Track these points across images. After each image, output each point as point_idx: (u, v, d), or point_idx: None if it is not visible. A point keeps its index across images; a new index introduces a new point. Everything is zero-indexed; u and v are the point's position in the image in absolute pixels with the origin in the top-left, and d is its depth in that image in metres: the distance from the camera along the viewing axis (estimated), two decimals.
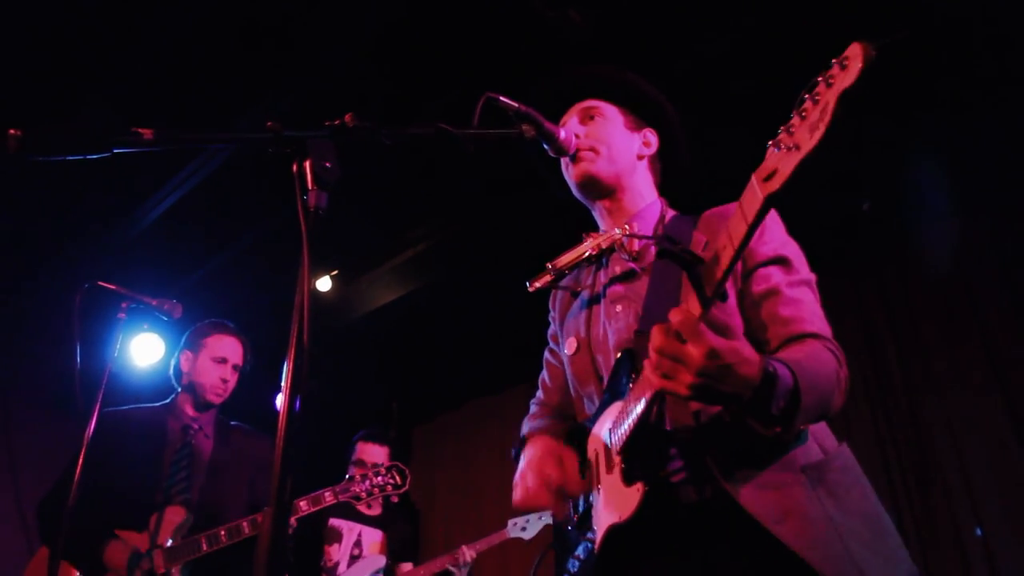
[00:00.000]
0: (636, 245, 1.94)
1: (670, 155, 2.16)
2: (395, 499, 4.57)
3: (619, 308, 1.90)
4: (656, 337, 1.39)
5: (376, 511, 4.85)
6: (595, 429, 1.85)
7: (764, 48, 4.05)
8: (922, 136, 4.59)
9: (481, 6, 3.87)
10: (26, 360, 6.16)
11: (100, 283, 3.24)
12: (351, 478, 3.60)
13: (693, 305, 1.38)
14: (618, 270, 1.97)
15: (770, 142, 1.22)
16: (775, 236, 1.82)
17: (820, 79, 1.14)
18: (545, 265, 1.97)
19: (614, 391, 1.79)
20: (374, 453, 4.83)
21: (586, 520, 1.82)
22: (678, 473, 1.65)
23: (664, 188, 2.15)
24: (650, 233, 1.96)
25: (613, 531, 1.67)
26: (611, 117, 2.07)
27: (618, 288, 1.94)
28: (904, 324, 5.20)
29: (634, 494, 1.61)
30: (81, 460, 2.82)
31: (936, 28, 3.94)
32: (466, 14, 3.93)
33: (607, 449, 1.76)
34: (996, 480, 4.55)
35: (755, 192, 1.24)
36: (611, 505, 1.70)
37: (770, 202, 1.22)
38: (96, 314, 3.55)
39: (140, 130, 1.27)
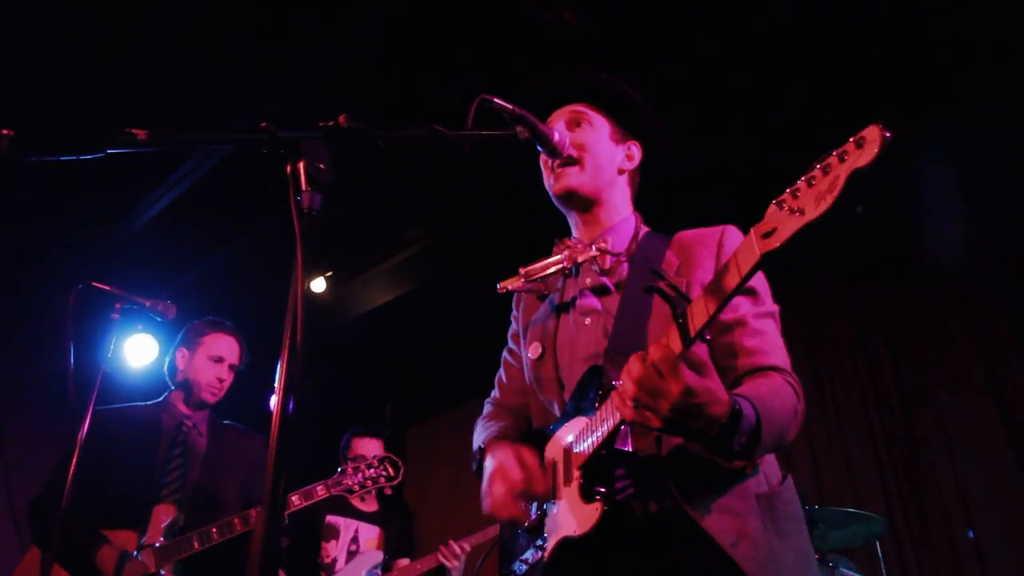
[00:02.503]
0: (608, 262, 1.96)
1: (650, 170, 2.14)
2: (388, 491, 4.57)
3: (588, 321, 1.91)
4: (635, 368, 1.42)
5: (372, 507, 4.86)
6: (556, 437, 1.85)
7: (759, 51, 4.06)
8: (919, 139, 4.60)
9: (476, 8, 3.87)
10: (20, 360, 6.14)
11: (94, 284, 3.21)
12: (343, 471, 3.59)
13: (674, 341, 1.43)
14: (588, 282, 1.98)
15: (774, 201, 1.26)
16: None
17: (834, 153, 1.18)
18: (518, 270, 1.99)
19: (578, 405, 1.81)
20: (369, 447, 4.85)
21: (539, 527, 1.83)
22: (637, 495, 1.68)
23: (639, 202, 2.14)
24: (623, 248, 1.98)
25: (566, 542, 1.70)
26: (598, 126, 2.05)
27: (589, 301, 1.95)
28: (899, 328, 5.21)
29: (593, 512, 1.64)
30: (75, 461, 2.81)
31: (930, 32, 3.96)
32: (461, 16, 3.93)
33: (567, 461, 1.78)
34: (988, 483, 4.56)
35: (753, 248, 1.29)
36: (567, 517, 1.72)
37: (765, 259, 1.28)
38: (90, 315, 3.53)
39: (134, 131, 1.26)
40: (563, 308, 2.00)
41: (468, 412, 7.52)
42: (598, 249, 1.93)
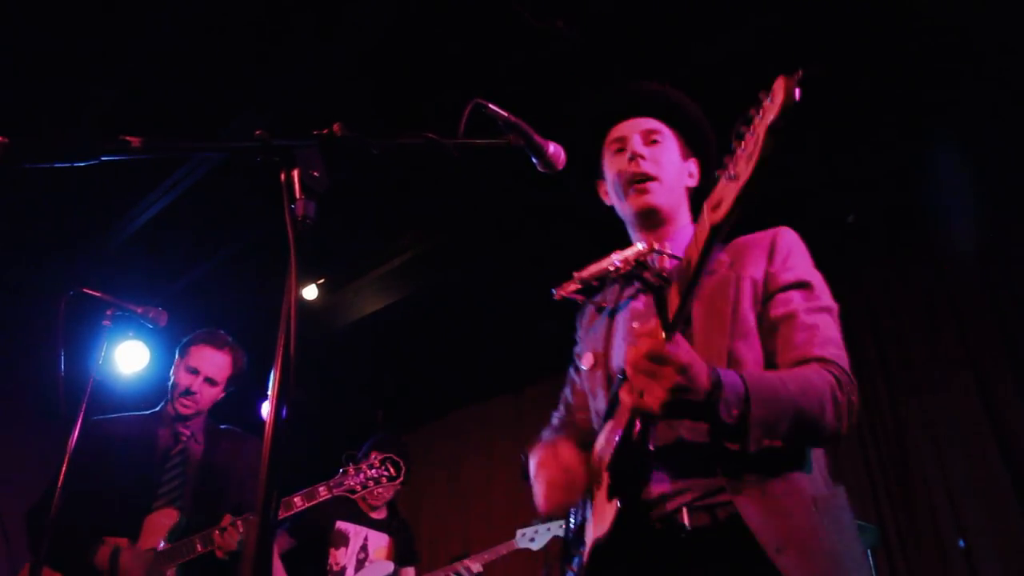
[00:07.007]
0: (667, 263, 1.91)
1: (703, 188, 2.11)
2: (390, 493, 4.56)
3: (636, 325, 1.88)
4: (630, 356, 1.43)
5: (382, 515, 4.80)
6: (595, 445, 1.86)
7: (755, 57, 4.07)
8: (911, 141, 4.62)
9: (470, 17, 3.88)
10: (9, 367, 6.10)
11: (85, 290, 3.19)
12: (344, 471, 3.57)
13: (656, 329, 1.42)
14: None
15: (718, 171, 1.24)
16: (799, 263, 1.84)
17: (753, 111, 1.15)
18: (571, 274, 1.95)
19: (611, 409, 1.81)
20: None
21: (581, 533, 1.84)
22: (661, 491, 1.66)
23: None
24: (681, 253, 1.95)
25: (597, 546, 1.69)
26: (670, 143, 2.04)
27: (638, 305, 1.93)
28: (888, 336, 5.22)
29: (611, 510, 1.64)
30: (64, 468, 2.79)
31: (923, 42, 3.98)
32: (455, 25, 3.94)
33: (599, 465, 1.79)
34: (979, 492, 4.57)
35: (703, 221, 1.28)
36: (597, 520, 1.72)
37: (716, 231, 1.25)
38: (81, 321, 3.51)
39: (128, 138, 1.26)
40: (614, 313, 1.98)
41: (459, 419, 7.52)
42: (650, 249, 1.89)
